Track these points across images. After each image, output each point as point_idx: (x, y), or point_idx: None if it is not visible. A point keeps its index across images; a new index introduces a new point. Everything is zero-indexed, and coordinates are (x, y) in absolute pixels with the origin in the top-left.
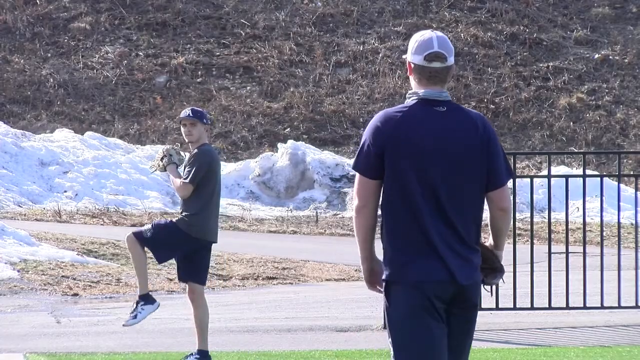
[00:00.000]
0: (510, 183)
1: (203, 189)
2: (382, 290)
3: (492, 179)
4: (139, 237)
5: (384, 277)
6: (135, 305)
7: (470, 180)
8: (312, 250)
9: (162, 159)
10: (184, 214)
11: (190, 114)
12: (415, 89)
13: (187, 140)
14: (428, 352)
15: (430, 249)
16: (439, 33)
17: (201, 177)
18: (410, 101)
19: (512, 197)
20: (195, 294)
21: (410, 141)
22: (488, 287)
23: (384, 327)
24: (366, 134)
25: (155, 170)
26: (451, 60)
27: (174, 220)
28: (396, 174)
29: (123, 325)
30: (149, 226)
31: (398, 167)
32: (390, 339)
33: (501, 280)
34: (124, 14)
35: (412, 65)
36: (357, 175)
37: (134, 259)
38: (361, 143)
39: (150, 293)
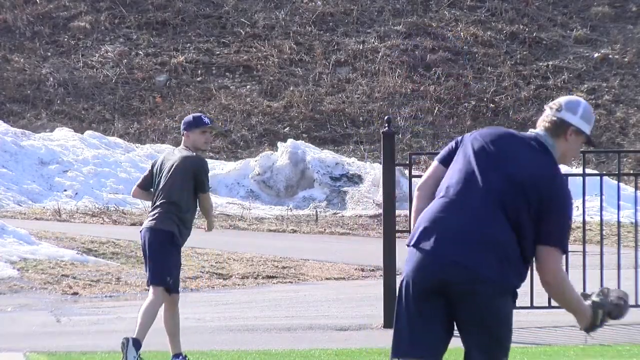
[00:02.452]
0: None
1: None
2: None
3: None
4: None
5: None
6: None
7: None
8: (312, 249)
9: None
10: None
11: (209, 122)
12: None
13: (203, 149)
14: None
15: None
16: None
17: None
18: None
19: None
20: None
21: (486, 143)
22: None
23: (384, 326)
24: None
25: None
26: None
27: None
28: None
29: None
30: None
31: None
32: None
33: None
34: (124, 13)
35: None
36: None
37: (176, 317)
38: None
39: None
